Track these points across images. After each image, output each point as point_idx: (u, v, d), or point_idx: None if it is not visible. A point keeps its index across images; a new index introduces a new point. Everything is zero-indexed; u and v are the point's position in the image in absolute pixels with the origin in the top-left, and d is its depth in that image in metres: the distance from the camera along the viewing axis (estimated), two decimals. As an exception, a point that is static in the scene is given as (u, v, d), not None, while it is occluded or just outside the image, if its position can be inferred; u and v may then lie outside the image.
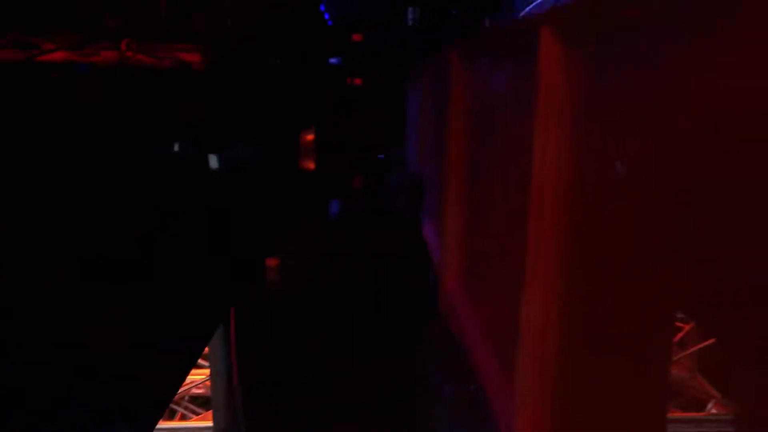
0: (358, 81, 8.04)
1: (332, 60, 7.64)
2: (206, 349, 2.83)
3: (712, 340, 1.85)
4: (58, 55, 2.63)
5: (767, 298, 0.91)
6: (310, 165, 7.71)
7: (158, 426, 2.22)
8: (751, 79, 0.90)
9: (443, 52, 3.12)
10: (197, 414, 3.35)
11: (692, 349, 2.05)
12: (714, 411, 2.01)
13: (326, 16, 7.10)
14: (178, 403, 3.46)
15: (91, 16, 5.00)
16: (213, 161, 2.92)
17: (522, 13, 2.74)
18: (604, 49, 1.20)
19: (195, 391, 3.43)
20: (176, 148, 2.55)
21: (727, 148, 1.01)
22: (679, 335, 2.00)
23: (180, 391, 3.28)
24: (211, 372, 2.94)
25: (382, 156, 7.75)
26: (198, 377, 3.41)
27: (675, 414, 2.00)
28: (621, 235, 1.41)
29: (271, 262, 3.88)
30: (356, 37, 7.56)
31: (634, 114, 1.26)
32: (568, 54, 1.24)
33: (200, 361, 3.18)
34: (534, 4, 2.93)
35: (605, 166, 1.44)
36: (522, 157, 1.71)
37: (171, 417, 3.34)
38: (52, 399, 1.51)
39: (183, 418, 3.38)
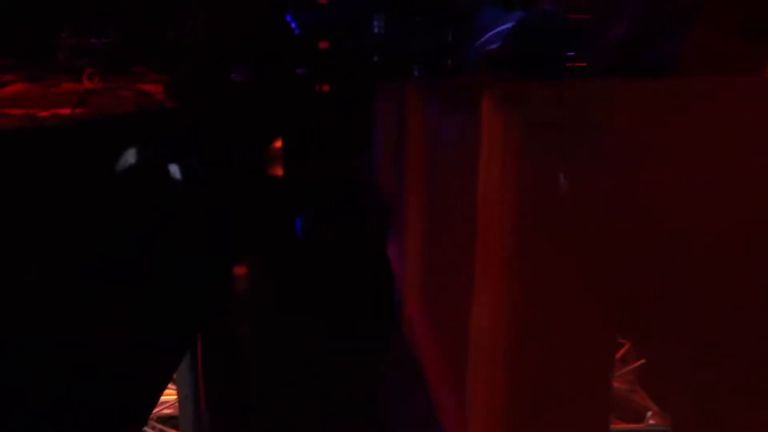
0: (326, 88, 8.09)
1: (300, 68, 7.68)
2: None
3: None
4: (18, 87, 2.63)
5: (689, 326, 1.01)
6: (279, 172, 7.73)
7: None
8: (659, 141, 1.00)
9: (401, 84, 3.20)
10: (167, 435, 3.39)
11: (633, 365, 2.20)
12: (652, 422, 2.17)
13: (293, 26, 7.13)
14: (146, 423, 3.49)
15: (50, 32, 4.97)
16: (175, 171, 2.82)
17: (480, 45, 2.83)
18: (538, 116, 1.30)
19: (165, 411, 3.46)
20: (135, 159, 2.42)
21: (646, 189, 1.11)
22: (621, 351, 2.14)
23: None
24: (178, 396, 2.98)
25: (351, 162, 7.81)
26: (168, 398, 3.44)
27: (616, 426, 2.14)
28: (561, 267, 1.51)
29: (238, 280, 3.92)
30: (323, 44, 7.62)
31: (565, 164, 1.36)
32: (507, 119, 1.34)
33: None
34: (484, 38, 3.03)
35: (544, 211, 1.54)
36: (471, 192, 1.81)
37: (140, 438, 3.36)
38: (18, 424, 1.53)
39: (152, 439, 3.41)
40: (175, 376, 2.96)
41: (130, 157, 2.14)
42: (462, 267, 2.08)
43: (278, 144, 7.56)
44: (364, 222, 4.66)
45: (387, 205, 4.19)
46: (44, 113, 1.97)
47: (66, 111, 2.03)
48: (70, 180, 1.72)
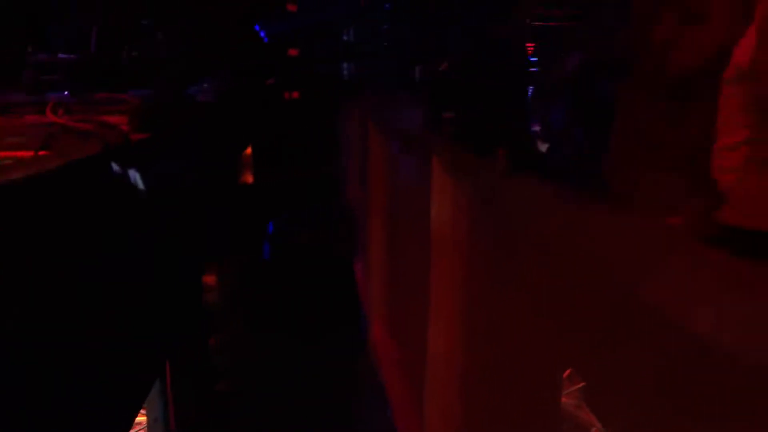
0: (295, 94, 8.11)
1: (269, 76, 7.67)
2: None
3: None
4: (-19, 120, 2.63)
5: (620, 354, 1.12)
6: (249, 179, 7.74)
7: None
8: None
9: (364, 105, 3.26)
10: (138, 457, 3.42)
11: (579, 385, 2.35)
12: (594, 436, 2.32)
13: (262, 34, 7.13)
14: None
15: (15, 48, 4.91)
16: (137, 180, 2.63)
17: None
18: (480, 181, 1.39)
19: (135, 433, 3.49)
20: (101, 198, 2.25)
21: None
22: (567, 372, 2.28)
23: None
24: (148, 419, 3.02)
25: (319, 167, 7.84)
26: (140, 418, 3.47)
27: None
28: (507, 306, 1.62)
29: (206, 298, 3.96)
30: (292, 52, 7.64)
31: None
32: (455, 185, 1.43)
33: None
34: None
35: (490, 260, 1.64)
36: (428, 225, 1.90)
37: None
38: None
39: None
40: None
41: (95, 196, 2.17)
42: (421, 296, 2.17)
43: (249, 151, 7.56)
44: (330, 236, 4.71)
45: (354, 219, 4.26)
46: (7, 156, 1.99)
47: (29, 153, 2.05)
48: (35, 222, 1.76)
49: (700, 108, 1.51)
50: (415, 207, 2.34)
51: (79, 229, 2.06)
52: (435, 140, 1.64)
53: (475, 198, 1.35)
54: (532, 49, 3.75)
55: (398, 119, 2.67)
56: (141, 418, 3.48)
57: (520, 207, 1.10)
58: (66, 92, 4.79)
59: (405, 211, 2.53)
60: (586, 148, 2.06)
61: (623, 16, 1.67)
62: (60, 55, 4.68)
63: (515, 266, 1.55)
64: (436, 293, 1.90)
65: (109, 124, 2.62)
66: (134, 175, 2.48)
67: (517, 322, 1.57)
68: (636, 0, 1.59)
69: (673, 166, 1.55)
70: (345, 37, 7.67)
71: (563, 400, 2.37)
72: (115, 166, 2.26)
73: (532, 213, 1.04)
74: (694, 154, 1.51)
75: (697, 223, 1.53)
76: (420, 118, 3.38)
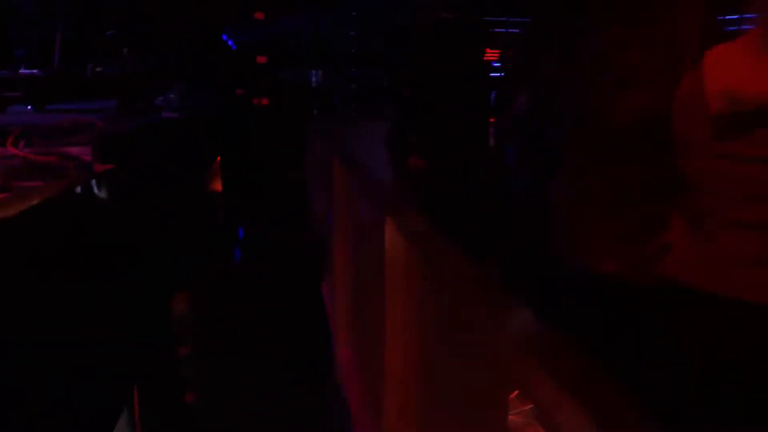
0: (265, 101, 8.12)
1: (238, 85, 7.66)
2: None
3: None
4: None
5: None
6: (218, 187, 7.72)
7: None
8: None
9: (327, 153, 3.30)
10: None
11: (529, 405, 2.48)
12: (544, 450, 2.42)
13: (230, 42, 7.11)
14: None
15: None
16: (100, 190, 2.63)
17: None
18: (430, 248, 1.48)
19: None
20: (68, 232, 2.25)
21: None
22: (515, 392, 2.41)
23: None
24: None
25: (289, 174, 7.86)
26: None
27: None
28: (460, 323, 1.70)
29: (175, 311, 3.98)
30: (261, 59, 7.65)
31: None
32: (406, 242, 1.51)
33: None
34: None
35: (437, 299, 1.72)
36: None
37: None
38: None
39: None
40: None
41: (57, 232, 2.19)
42: (381, 320, 2.25)
43: (218, 160, 7.55)
44: (299, 246, 4.75)
45: (321, 235, 4.31)
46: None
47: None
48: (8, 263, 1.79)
49: (631, 165, 1.61)
50: (375, 243, 2.41)
51: (44, 261, 2.09)
52: (388, 198, 1.72)
53: (425, 261, 1.43)
54: (498, 55, 3.84)
55: (362, 147, 2.73)
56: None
57: (455, 283, 1.18)
58: (29, 107, 4.75)
59: (367, 244, 2.60)
60: (532, 188, 2.15)
61: (563, 72, 1.76)
62: (22, 71, 4.62)
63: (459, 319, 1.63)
64: (391, 321, 1.98)
65: (72, 156, 2.63)
66: (98, 203, 2.51)
67: (467, 351, 1.66)
68: (572, 61, 1.68)
69: (610, 214, 1.65)
70: (313, 44, 7.69)
71: (513, 418, 2.50)
72: (78, 197, 2.28)
73: (464, 295, 1.13)
74: (625, 207, 1.62)
75: (631, 271, 1.64)
76: (385, 140, 3.45)
